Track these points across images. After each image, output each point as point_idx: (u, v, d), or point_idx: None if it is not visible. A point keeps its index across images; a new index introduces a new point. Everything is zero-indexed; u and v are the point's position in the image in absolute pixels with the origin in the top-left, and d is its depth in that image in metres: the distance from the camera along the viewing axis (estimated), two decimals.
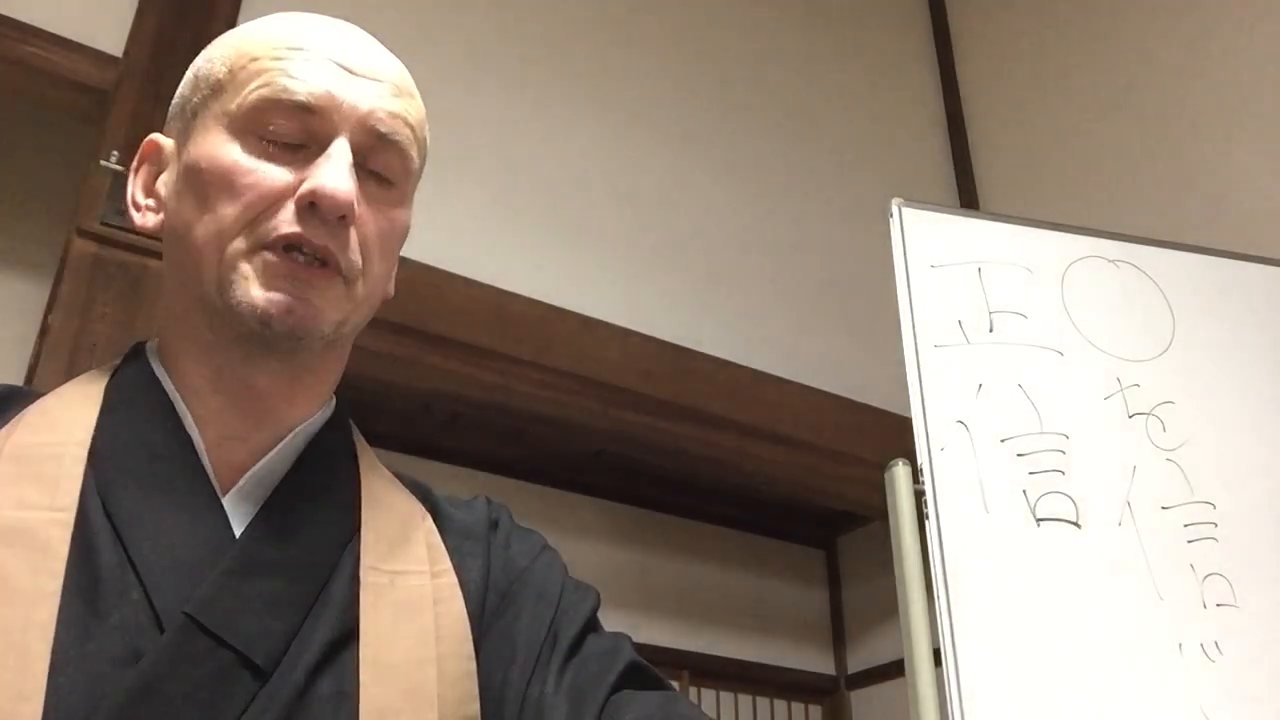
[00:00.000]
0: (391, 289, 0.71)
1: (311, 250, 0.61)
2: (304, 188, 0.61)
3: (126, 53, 1.83)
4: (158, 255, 1.70)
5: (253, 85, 0.63)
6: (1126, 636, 1.38)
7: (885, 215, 1.62)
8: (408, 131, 0.66)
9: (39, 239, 2.32)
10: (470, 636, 0.65)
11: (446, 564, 0.68)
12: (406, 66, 0.70)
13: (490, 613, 0.68)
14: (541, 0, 2.44)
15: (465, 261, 2.03)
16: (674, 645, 3.26)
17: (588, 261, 2.27)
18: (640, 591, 3.29)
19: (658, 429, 2.23)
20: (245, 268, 0.61)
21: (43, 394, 0.66)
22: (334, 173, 0.61)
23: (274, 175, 0.62)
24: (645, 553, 3.41)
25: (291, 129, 0.62)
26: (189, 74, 0.69)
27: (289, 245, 0.61)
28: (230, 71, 0.65)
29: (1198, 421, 1.57)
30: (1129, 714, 1.32)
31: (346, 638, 0.60)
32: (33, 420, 0.62)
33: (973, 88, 3.06)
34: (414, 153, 0.68)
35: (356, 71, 0.65)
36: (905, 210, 1.61)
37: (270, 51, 0.64)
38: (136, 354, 0.69)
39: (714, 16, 2.77)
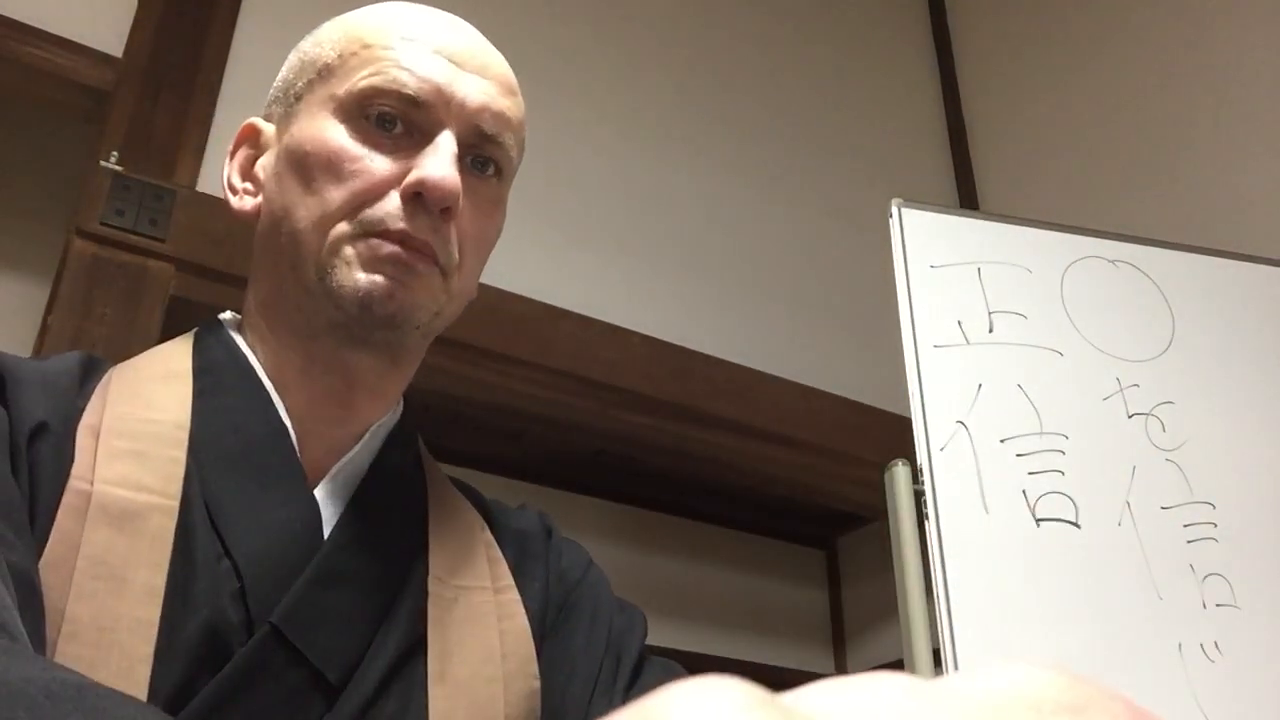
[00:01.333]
0: (476, 290, 0.71)
1: (414, 245, 0.61)
2: (411, 177, 0.61)
3: (126, 53, 1.82)
4: (157, 256, 1.71)
5: (364, 73, 0.63)
6: (1126, 636, 1.38)
7: (885, 215, 1.61)
8: (509, 132, 0.67)
9: (39, 239, 2.32)
10: (535, 656, 0.64)
11: (508, 580, 0.67)
12: None
13: (548, 626, 0.67)
14: (541, 2, 2.45)
15: None
16: (674, 645, 3.25)
17: (588, 261, 2.27)
18: (640, 591, 3.29)
19: (658, 429, 2.23)
20: (349, 252, 0.61)
21: (109, 364, 0.64)
22: (440, 164, 0.61)
23: (380, 163, 0.62)
24: (645, 553, 3.41)
25: (399, 118, 0.62)
26: (293, 58, 0.69)
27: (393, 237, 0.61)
28: (340, 56, 0.65)
29: (1198, 421, 1.57)
30: None
31: (413, 653, 0.60)
32: (123, 391, 0.60)
33: (973, 88, 3.06)
34: (514, 153, 0.68)
35: (466, 67, 0.65)
36: (905, 210, 1.61)
37: (382, 40, 0.64)
38: (214, 332, 0.67)
39: (713, 17, 2.77)
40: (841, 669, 3.56)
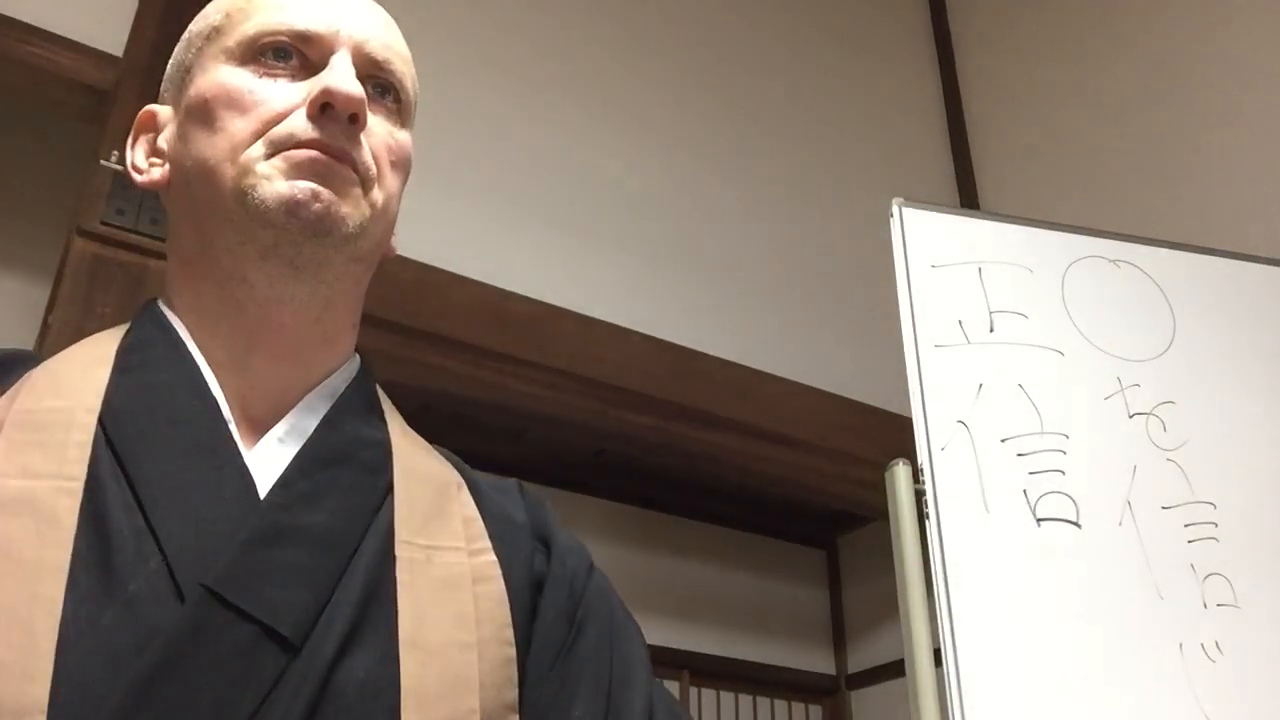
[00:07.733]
0: (395, 244, 0.71)
1: (331, 153, 0.62)
2: (316, 90, 0.62)
3: (126, 53, 1.82)
4: (158, 255, 1.71)
5: (251, 20, 0.65)
6: (1126, 636, 1.38)
7: (886, 215, 1.61)
8: (400, 60, 0.68)
9: (39, 239, 2.32)
10: (510, 622, 0.62)
11: (485, 543, 0.65)
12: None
13: (551, 638, 0.65)
14: (543, 1, 2.45)
15: (465, 261, 2.03)
16: (674, 645, 3.25)
17: (588, 261, 2.27)
18: (640, 591, 3.29)
19: (658, 429, 2.23)
20: (265, 167, 0.61)
21: (48, 358, 0.64)
22: (342, 75, 0.62)
23: (281, 90, 0.63)
24: (645, 553, 3.41)
25: (292, 51, 0.64)
26: (181, 41, 0.70)
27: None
28: (227, 15, 0.66)
29: (1198, 421, 1.57)
30: (1129, 714, 1.32)
31: (380, 614, 0.57)
32: (38, 384, 0.60)
33: (973, 88, 3.06)
34: (408, 83, 0.69)
35: (349, 7, 0.67)
36: (906, 210, 1.61)
37: None
38: (148, 311, 0.67)
39: (714, 18, 2.77)
40: (841, 669, 3.56)
